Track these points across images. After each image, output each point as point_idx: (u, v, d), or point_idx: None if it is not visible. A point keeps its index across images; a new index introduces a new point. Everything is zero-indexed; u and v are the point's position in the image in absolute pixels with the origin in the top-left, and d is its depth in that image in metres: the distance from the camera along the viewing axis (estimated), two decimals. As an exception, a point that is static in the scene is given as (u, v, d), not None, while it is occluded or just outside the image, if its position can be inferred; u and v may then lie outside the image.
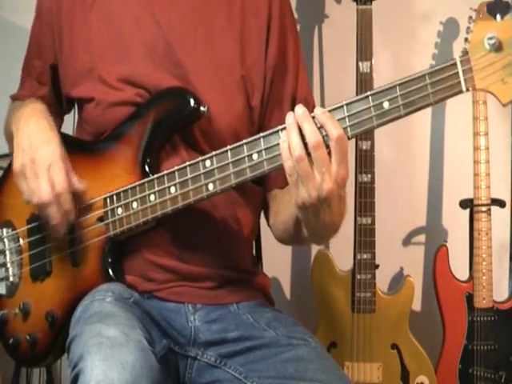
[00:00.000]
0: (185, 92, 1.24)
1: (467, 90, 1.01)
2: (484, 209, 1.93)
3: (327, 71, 2.18)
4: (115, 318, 1.11)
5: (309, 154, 1.04)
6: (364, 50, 1.85)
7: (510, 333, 1.95)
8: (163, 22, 1.29)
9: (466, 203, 1.96)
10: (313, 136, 1.04)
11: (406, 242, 2.24)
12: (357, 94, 1.07)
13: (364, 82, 1.83)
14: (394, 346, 1.94)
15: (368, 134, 1.85)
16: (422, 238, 2.24)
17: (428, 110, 2.17)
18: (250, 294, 1.35)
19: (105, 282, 1.24)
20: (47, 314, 1.28)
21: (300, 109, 1.07)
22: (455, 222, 2.16)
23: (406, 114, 1.04)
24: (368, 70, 1.84)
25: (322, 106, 1.08)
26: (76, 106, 1.41)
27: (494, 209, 1.95)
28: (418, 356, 1.93)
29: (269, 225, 1.39)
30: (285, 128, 1.08)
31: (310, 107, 1.41)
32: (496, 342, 1.94)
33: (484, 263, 1.93)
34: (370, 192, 1.88)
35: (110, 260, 1.25)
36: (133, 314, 1.15)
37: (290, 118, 1.07)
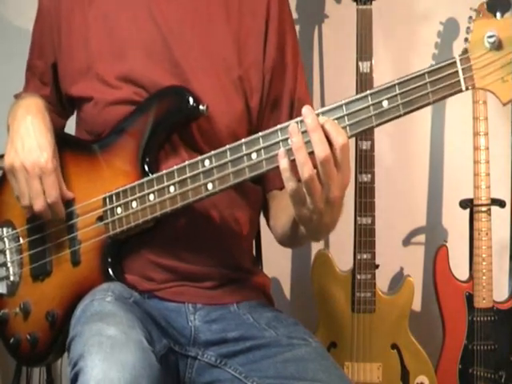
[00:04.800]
0: (184, 91, 1.23)
1: (467, 88, 1.00)
2: (484, 209, 1.93)
3: (327, 71, 2.18)
4: (115, 317, 1.10)
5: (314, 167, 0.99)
6: (364, 50, 1.84)
7: (509, 333, 1.94)
8: (161, 21, 1.29)
9: (466, 203, 1.96)
10: (322, 150, 0.98)
11: (406, 242, 2.24)
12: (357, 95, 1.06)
13: (364, 82, 1.83)
14: (394, 346, 1.94)
15: (368, 134, 1.85)
16: (422, 237, 2.24)
17: (428, 110, 2.17)
18: (250, 294, 1.35)
19: (105, 281, 1.24)
20: (47, 314, 1.28)
21: (309, 114, 1.00)
22: (455, 222, 2.15)
23: (406, 113, 1.03)
24: (368, 70, 1.84)
25: (322, 106, 1.07)
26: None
27: (494, 209, 1.95)
28: (418, 356, 1.93)
29: (268, 225, 1.39)
30: (284, 128, 1.06)
31: None
32: (496, 342, 1.94)
33: (484, 263, 1.93)
34: (370, 192, 1.88)
35: (109, 259, 1.25)
36: (133, 313, 1.15)
37: (294, 134, 1.01)
